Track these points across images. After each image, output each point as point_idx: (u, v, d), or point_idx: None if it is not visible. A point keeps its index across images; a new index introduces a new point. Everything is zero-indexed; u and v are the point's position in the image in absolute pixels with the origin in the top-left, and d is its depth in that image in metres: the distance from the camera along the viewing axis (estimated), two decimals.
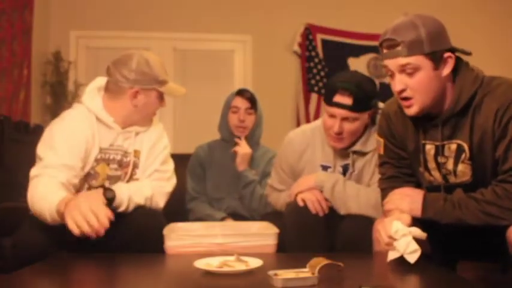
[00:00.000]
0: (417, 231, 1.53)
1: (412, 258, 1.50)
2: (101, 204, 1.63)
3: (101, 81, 2.00)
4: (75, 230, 1.57)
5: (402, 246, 1.51)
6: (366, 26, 4.72)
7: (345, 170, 2.06)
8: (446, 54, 1.53)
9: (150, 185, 1.97)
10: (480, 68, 1.62)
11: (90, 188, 1.91)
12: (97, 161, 1.91)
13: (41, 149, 1.85)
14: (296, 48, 4.74)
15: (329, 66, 4.72)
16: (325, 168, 2.07)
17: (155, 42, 4.69)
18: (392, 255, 1.55)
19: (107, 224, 1.60)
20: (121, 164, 1.95)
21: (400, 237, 1.52)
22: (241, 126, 2.61)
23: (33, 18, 4.01)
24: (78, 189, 1.88)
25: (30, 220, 1.77)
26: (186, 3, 4.70)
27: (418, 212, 1.60)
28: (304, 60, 4.71)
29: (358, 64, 4.80)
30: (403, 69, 1.53)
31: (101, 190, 1.83)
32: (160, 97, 1.99)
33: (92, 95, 1.96)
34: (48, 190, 1.73)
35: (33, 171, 1.81)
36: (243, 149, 2.59)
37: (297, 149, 2.13)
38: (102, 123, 1.93)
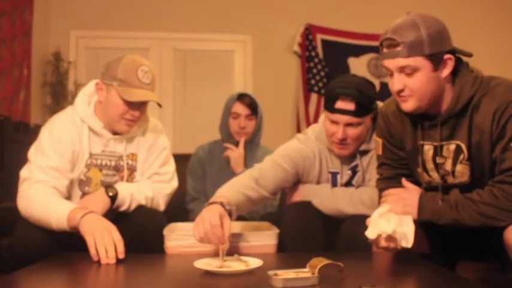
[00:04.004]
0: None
1: (406, 241, 1.50)
2: (119, 234, 1.63)
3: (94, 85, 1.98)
4: (93, 252, 1.59)
5: (385, 225, 1.51)
6: (366, 26, 4.73)
7: (354, 173, 2.03)
8: (446, 56, 1.52)
9: (151, 186, 1.97)
10: (480, 68, 1.61)
11: (83, 195, 1.91)
12: (87, 166, 1.91)
13: (31, 151, 1.89)
14: (296, 48, 4.74)
15: (329, 66, 4.72)
16: (334, 174, 2.06)
17: (155, 42, 4.70)
18: (371, 232, 1.54)
19: (123, 256, 1.60)
20: (118, 169, 1.96)
21: (378, 218, 1.53)
22: (241, 132, 2.62)
23: (33, 18, 4.02)
24: (71, 195, 1.90)
25: (25, 220, 1.78)
26: (186, 3, 4.70)
27: (413, 215, 1.58)
28: (304, 60, 4.71)
29: (358, 64, 4.80)
30: (402, 69, 1.52)
31: (103, 189, 1.85)
32: (126, 101, 1.85)
33: (84, 100, 1.95)
34: (48, 199, 1.76)
35: (23, 173, 1.85)
36: (234, 152, 2.59)
37: (307, 168, 2.06)
38: (92, 129, 1.93)
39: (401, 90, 1.55)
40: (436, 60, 1.51)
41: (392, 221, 1.52)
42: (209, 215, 1.64)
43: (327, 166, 2.05)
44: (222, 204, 1.71)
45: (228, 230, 1.63)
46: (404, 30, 1.49)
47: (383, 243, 1.55)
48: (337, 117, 1.90)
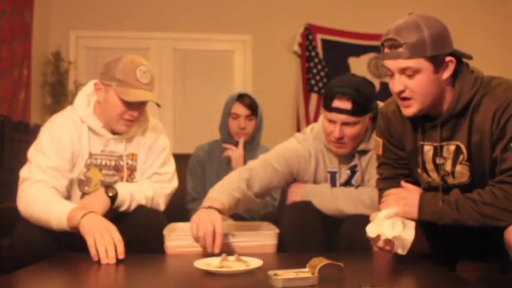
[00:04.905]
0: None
1: (403, 249, 1.51)
2: (119, 235, 1.63)
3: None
4: (93, 252, 1.59)
5: (388, 228, 1.52)
6: (366, 26, 4.73)
7: (353, 172, 2.03)
8: (448, 59, 1.52)
9: (151, 186, 1.97)
10: (480, 68, 1.61)
11: (83, 195, 1.91)
12: (87, 166, 1.91)
13: (31, 151, 1.89)
14: (296, 48, 4.74)
15: (329, 66, 4.72)
16: (333, 174, 2.06)
17: (155, 42, 4.70)
18: (372, 231, 1.55)
19: (123, 256, 1.60)
20: (117, 169, 1.95)
21: (383, 219, 1.53)
22: (241, 132, 2.62)
23: (33, 18, 4.02)
24: (71, 195, 1.90)
25: (25, 220, 1.78)
26: (186, 3, 4.70)
27: (414, 215, 1.59)
28: (304, 60, 4.71)
29: (358, 64, 4.80)
30: (403, 71, 1.52)
31: (103, 189, 1.85)
32: (124, 101, 1.85)
33: (83, 100, 1.95)
34: (48, 199, 1.76)
35: (22, 173, 1.85)
36: (234, 152, 2.59)
37: (303, 168, 2.06)
38: (91, 129, 1.93)
39: (402, 91, 1.55)
40: (438, 62, 1.51)
41: (397, 227, 1.52)
42: (205, 222, 1.66)
43: (325, 166, 2.05)
44: (218, 210, 1.74)
45: (221, 238, 1.65)
46: (406, 31, 1.48)
47: (380, 244, 1.56)
48: (334, 116, 1.90)
